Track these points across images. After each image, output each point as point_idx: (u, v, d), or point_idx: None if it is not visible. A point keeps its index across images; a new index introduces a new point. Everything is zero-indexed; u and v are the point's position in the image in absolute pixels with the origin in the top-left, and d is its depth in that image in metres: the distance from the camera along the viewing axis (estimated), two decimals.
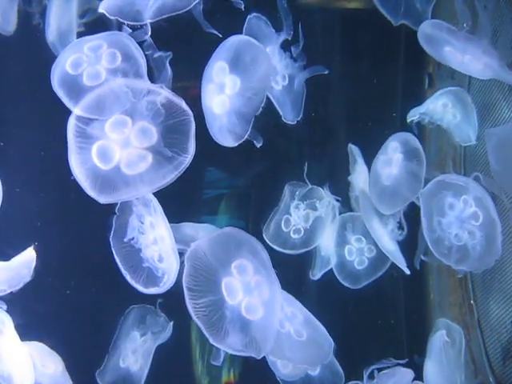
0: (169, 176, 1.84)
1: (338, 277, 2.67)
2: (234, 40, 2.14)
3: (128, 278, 2.03)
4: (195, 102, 2.68)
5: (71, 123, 1.81)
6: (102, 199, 1.82)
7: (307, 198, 2.63)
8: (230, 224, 2.76)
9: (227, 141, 2.15)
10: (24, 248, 2.05)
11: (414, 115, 2.58)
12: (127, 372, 2.45)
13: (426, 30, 2.35)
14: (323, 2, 3.04)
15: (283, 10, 2.34)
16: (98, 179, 1.81)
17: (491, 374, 2.55)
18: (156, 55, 1.99)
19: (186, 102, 2.43)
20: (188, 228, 2.41)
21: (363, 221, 2.60)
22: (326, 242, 2.67)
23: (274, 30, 2.35)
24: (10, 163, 2.44)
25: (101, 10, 1.98)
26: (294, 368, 2.38)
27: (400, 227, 2.56)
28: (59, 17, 2.23)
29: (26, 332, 2.10)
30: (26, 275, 1.99)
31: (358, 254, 2.66)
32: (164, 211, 2.60)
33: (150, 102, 1.83)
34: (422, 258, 2.52)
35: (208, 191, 2.94)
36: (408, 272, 2.51)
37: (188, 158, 1.84)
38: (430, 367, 2.44)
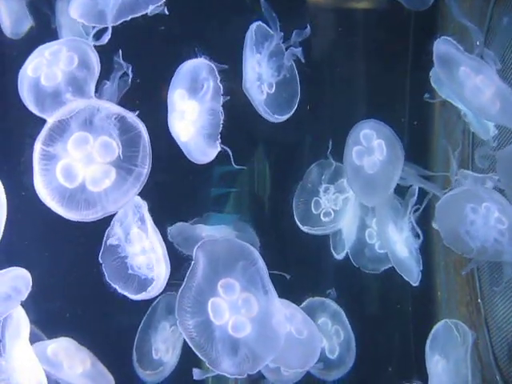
0: (132, 190, 1.84)
1: (355, 261, 2.62)
2: (189, 65, 2.16)
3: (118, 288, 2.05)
4: None
5: (37, 148, 1.81)
6: (71, 217, 1.83)
7: (335, 179, 2.60)
8: (237, 222, 2.76)
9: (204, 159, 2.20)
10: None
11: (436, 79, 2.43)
12: (160, 362, 2.48)
13: (441, 47, 2.22)
14: (332, 3, 3.05)
15: (269, 15, 2.28)
16: (65, 198, 1.81)
17: (498, 373, 2.55)
18: (117, 65, 1.99)
19: None
20: (203, 230, 2.44)
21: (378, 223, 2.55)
22: (348, 223, 2.61)
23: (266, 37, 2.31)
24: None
25: (73, 15, 2.00)
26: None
27: (415, 235, 2.49)
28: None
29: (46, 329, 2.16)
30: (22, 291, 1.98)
31: (378, 238, 2.60)
32: (171, 209, 2.63)
33: (106, 117, 1.84)
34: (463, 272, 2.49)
35: (215, 189, 2.95)
36: (415, 284, 2.45)
37: (146, 170, 1.84)
38: (436, 365, 2.43)
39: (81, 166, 1.82)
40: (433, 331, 2.47)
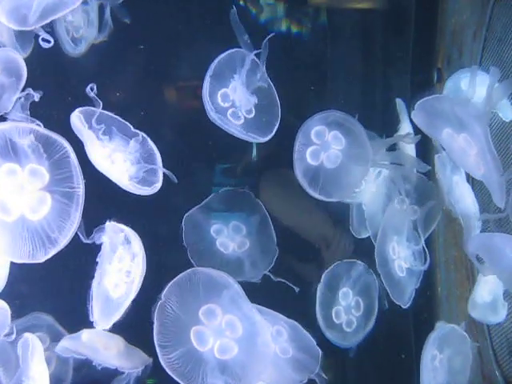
0: (73, 212, 1.81)
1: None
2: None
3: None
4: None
5: None
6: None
7: None
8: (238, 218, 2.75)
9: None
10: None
11: None
12: None
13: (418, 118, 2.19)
14: (333, 3, 3.03)
15: (238, 30, 2.16)
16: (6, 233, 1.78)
17: (497, 369, 2.56)
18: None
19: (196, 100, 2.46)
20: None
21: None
22: (371, 198, 2.52)
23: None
24: None
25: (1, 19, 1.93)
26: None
27: (421, 256, 2.42)
28: None
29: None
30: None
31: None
32: (174, 207, 2.62)
33: (29, 142, 1.79)
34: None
35: (215, 187, 2.95)
36: (405, 307, 2.41)
37: (81, 189, 1.80)
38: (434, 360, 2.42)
39: (15, 196, 1.78)
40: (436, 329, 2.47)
